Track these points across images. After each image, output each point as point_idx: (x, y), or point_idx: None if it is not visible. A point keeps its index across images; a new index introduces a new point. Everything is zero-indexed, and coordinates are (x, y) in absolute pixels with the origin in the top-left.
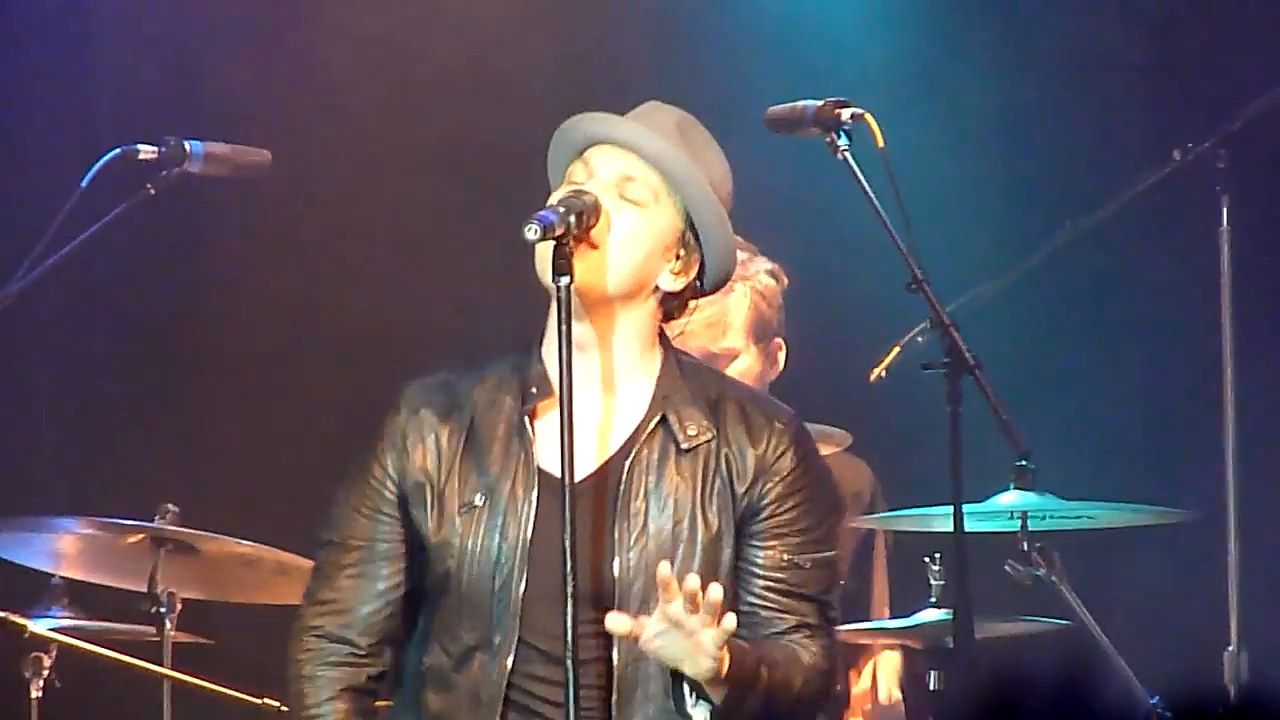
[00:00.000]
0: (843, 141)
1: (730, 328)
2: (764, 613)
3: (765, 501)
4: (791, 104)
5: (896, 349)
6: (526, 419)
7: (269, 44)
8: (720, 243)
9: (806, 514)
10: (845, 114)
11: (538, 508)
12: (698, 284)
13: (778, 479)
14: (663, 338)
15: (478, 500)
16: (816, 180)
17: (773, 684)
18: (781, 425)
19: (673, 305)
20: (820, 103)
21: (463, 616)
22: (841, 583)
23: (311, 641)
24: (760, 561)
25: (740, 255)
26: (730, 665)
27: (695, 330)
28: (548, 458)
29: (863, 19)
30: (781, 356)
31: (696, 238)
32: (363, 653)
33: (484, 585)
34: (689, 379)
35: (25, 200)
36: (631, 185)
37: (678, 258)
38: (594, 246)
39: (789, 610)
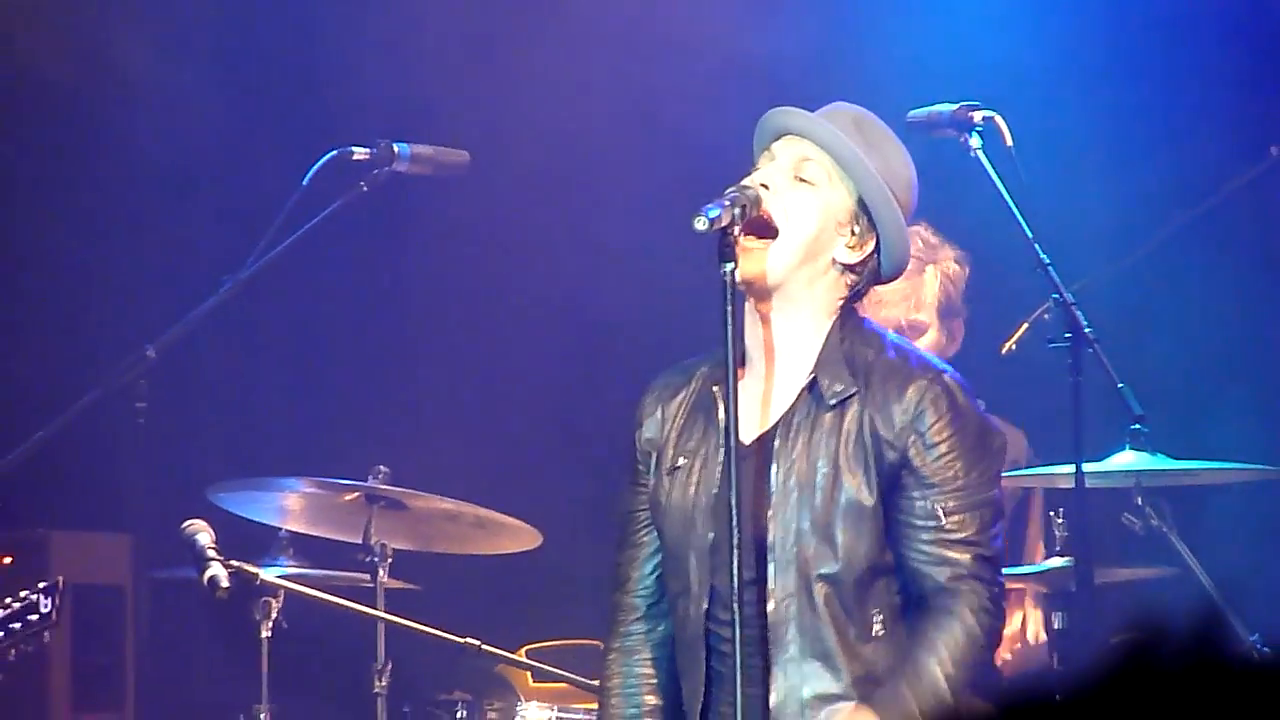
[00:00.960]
0: (975, 140)
1: (922, 304)
2: (923, 566)
3: (910, 454)
4: (929, 108)
5: (1025, 325)
6: (715, 389)
7: (479, 51)
8: (890, 222)
9: (952, 463)
10: (977, 116)
11: (722, 469)
12: (877, 261)
13: (920, 432)
14: (845, 308)
15: (680, 462)
16: (949, 176)
17: (929, 699)
18: (926, 380)
19: (857, 279)
20: (955, 106)
21: (670, 567)
22: (1000, 525)
23: (612, 612)
24: (912, 512)
25: (932, 240)
26: None
27: (891, 301)
28: (743, 422)
29: (987, 27)
30: (960, 336)
31: (870, 218)
32: (644, 613)
33: (682, 538)
34: (851, 343)
35: (254, 196)
36: (807, 166)
37: (852, 233)
38: (768, 224)
39: (944, 561)
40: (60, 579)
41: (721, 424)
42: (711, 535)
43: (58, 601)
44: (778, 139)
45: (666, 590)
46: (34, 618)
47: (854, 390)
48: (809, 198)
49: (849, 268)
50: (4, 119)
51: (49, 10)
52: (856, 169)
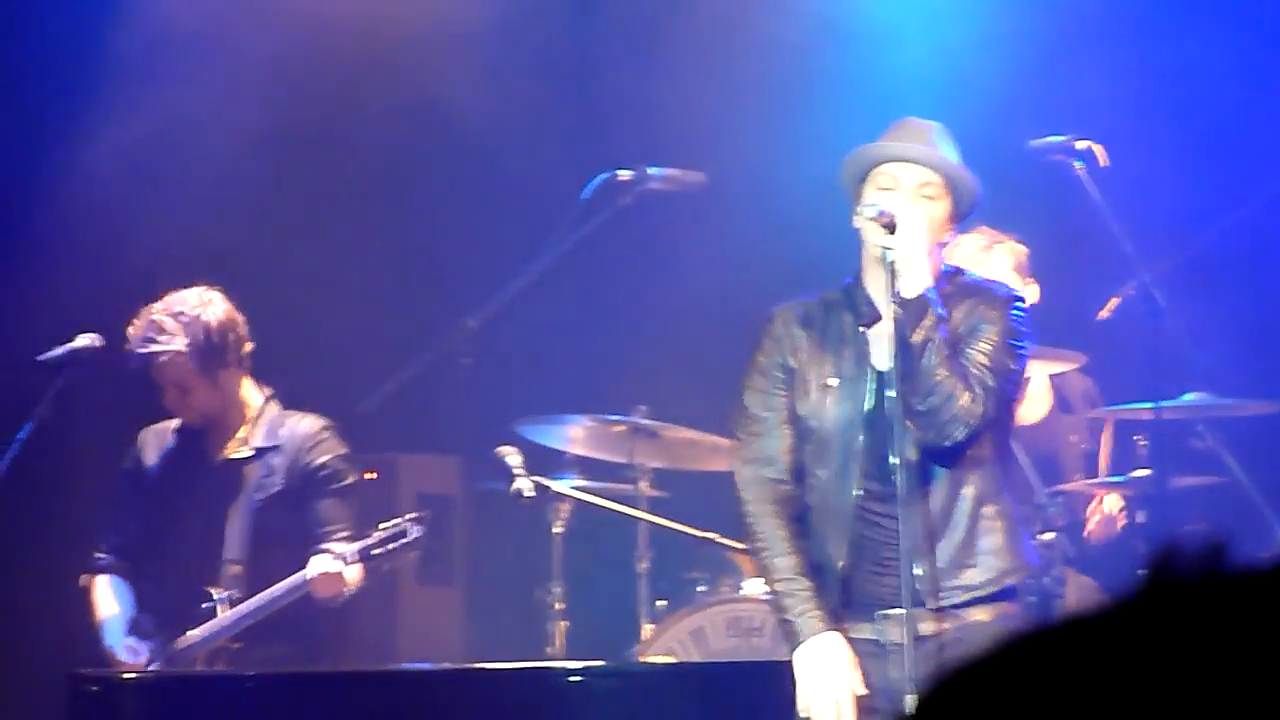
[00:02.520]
0: (1079, 163)
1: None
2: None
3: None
4: (1047, 139)
5: (1116, 299)
6: (862, 330)
7: (722, 93)
8: (974, 202)
9: (989, 331)
10: (1082, 145)
11: (872, 387)
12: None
13: (979, 314)
14: (952, 269)
15: (831, 382)
16: (1060, 189)
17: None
18: (996, 294)
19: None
20: (1065, 137)
21: (823, 460)
22: (1010, 375)
23: (753, 486)
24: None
25: (993, 234)
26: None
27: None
28: (875, 355)
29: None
30: (1033, 293)
31: (959, 202)
32: (787, 484)
33: (837, 437)
34: (951, 283)
35: (548, 205)
36: (928, 188)
37: (954, 221)
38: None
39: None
40: (426, 513)
41: (869, 355)
42: (863, 439)
43: (423, 530)
44: (885, 162)
45: (809, 473)
46: (406, 540)
47: (945, 313)
48: (936, 211)
49: (947, 244)
50: (389, 145)
51: (442, 63)
52: (959, 180)
